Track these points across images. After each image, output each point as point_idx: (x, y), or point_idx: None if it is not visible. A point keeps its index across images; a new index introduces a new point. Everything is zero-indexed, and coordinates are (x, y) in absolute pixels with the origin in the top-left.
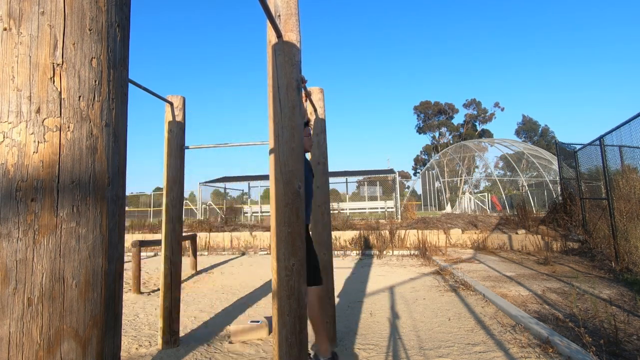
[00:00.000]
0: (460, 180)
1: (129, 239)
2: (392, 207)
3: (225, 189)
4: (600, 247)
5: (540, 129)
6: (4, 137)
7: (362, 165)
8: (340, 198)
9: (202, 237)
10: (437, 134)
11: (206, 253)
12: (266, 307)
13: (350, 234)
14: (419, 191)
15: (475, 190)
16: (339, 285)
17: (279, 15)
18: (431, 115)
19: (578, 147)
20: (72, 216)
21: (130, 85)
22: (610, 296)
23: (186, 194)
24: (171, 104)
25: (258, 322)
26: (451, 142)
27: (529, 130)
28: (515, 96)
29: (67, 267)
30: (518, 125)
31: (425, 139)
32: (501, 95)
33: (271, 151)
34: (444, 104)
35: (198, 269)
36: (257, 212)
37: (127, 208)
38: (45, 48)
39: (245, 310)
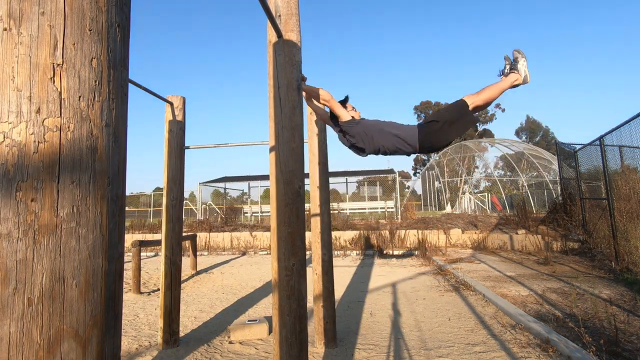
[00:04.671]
0: (460, 180)
1: (129, 239)
2: (392, 207)
3: (225, 189)
4: (600, 247)
5: (541, 131)
6: (4, 137)
7: (362, 165)
8: (340, 198)
9: (202, 237)
10: None
11: (206, 253)
12: (266, 307)
13: (350, 234)
14: (419, 191)
15: (475, 191)
16: (339, 285)
17: (280, 15)
18: None
19: (578, 147)
20: (72, 216)
21: (130, 85)
22: (610, 296)
23: (186, 194)
24: (171, 104)
25: (258, 321)
26: None
27: (530, 130)
28: (517, 97)
29: (67, 267)
30: (521, 125)
31: None
32: (503, 96)
33: (271, 151)
34: (444, 104)
35: (198, 269)
36: (257, 212)
37: (127, 208)
38: (45, 48)
39: (246, 310)
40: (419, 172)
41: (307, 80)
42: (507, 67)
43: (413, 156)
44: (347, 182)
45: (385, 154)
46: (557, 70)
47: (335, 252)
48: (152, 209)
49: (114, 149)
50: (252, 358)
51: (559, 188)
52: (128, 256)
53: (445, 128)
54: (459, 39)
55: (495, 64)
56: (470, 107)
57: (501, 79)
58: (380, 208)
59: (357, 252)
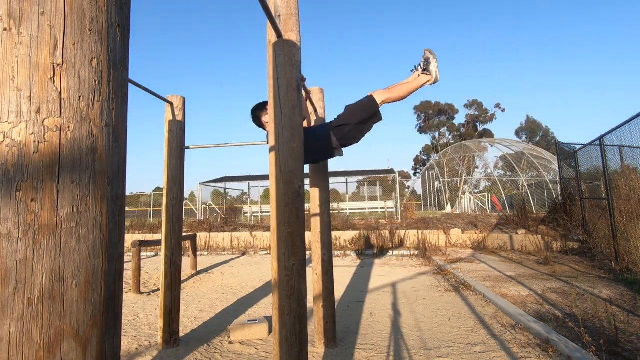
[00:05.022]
0: (460, 180)
1: (129, 239)
2: (392, 207)
3: (225, 189)
4: (600, 247)
5: (541, 131)
6: (4, 137)
7: (362, 165)
8: (340, 198)
9: (202, 237)
10: (437, 134)
11: (206, 253)
12: (266, 307)
13: (350, 234)
14: (419, 191)
15: (475, 191)
16: (339, 285)
17: (279, 15)
18: (432, 116)
19: (578, 147)
20: (72, 216)
21: (130, 85)
22: (610, 296)
23: (186, 194)
24: (171, 104)
25: (258, 321)
26: (451, 142)
27: (530, 130)
28: (517, 97)
29: (67, 267)
30: (521, 125)
31: (426, 139)
32: (503, 96)
33: (271, 151)
34: (444, 104)
35: (198, 269)
36: (257, 212)
37: (127, 208)
38: (45, 48)
39: (246, 310)
40: (419, 172)
41: (307, 80)
42: (422, 64)
43: (413, 156)
44: (347, 182)
45: (318, 162)
46: (557, 70)
47: (335, 252)
48: (152, 209)
49: (114, 149)
50: (252, 358)
51: (559, 188)
52: (128, 256)
53: (357, 128)
54: (459, 39)
55: (497, 63)
56: (379, 105)
57: (413, 75)
58: (380, 208)
59: (357, 252)
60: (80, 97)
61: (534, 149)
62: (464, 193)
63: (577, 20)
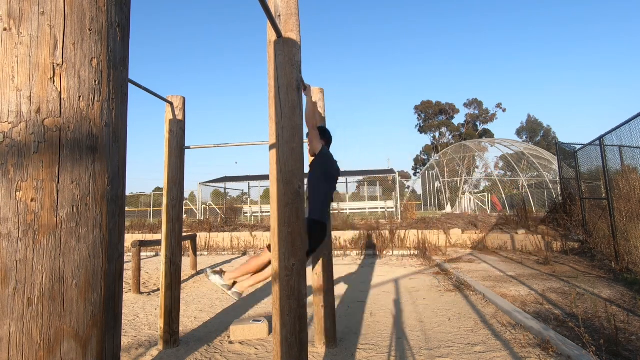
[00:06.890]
0: (460, 180)
1: (129, 239)
2: (392, 207)
3: (225, 189)
4: (600, 247)
5: (542, 131)
6: (4, 137)
7: (362, 165)
8: (340, 198)
9: (202, 237)
10: (437, 134)
11: (206, 253)
12: (266, 307)
13: (350, 234)
14: (419, 191)
15: (475, 190)
16: (339, 285)
17: (279, 15)
18: (432, 115)
19: (578, 147)
20: (72, 216)
21: (130, 85)
22: (610, 296)
23: (186, 194)
24: (171, 104)
25: (258, 321)
26: (451, 142)
27: (531, 130)
28: (518, 97)
29: (67, 267)
30: (521, 124)
31: (426, 139)
32: (504, 96)
33: (271, 150)
34: (444, 104)
35: (198, 269)
36: (257, 212)
37: (127, 208)
38: (45, 48)
39: (246, 310)
40: (419, 172)
41: (307, 81)
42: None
43: (413, 155)
44: (347, 182)
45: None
46: (559, 68)
47: (335, 252)
48: (152, 209)
49: (114, 149)
50: (252, 358)
51: (559, 188)
52: (128, 256)
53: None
54: (460, 37)
55: (498, 63)
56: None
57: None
58: (380, 208)
59: (357, 252)
60: (80, 97)
61: (534, 149)
62: (464, 193)
63: (579, 18)
